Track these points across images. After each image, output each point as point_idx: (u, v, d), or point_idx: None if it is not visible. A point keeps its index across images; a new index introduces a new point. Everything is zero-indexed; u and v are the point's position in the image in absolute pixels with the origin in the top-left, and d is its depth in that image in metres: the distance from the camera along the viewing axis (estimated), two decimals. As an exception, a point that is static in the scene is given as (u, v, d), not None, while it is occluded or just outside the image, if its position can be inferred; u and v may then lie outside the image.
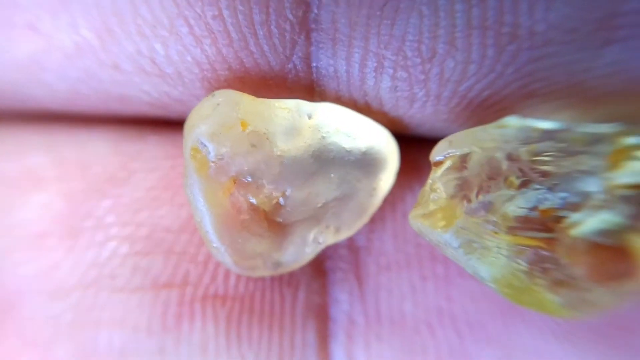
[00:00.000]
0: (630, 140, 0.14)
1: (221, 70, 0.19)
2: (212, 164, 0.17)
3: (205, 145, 0.16)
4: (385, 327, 0.21)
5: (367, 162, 0.20)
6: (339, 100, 0.20)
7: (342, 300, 0.22)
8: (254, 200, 0.18)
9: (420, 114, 0.20)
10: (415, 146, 0.23)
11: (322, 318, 0.22)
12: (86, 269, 0.21)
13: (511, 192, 0.14)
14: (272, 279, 0.23)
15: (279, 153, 0.18)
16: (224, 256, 0.19)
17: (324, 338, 0.22)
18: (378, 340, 0.22)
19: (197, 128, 0.16)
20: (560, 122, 0.17)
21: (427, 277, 0.21)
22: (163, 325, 0.21)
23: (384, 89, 0.18)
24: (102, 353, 0.21)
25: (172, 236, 0.22)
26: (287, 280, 0.23)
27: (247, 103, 0.17)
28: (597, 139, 0.14)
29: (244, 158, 0.17)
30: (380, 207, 0.22)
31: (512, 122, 0.17)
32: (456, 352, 0.21)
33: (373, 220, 0.23)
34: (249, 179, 0.18)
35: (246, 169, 0.17)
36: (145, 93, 0.21)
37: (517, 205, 0.14)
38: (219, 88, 0.19)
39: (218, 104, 0.17)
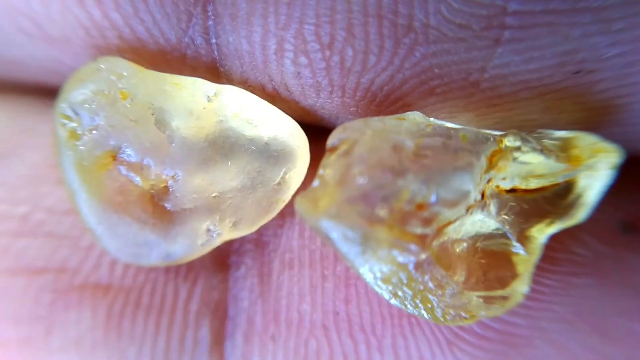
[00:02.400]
0: (508, 142, 0.14)
1: (112, 38, 0.17)
2: (84, 135, 0.15)
3: (76, 114, 0.15)
4: (283, 329, 0.20)
5: (270, 154, 0.19)
6: (245, 84, 0.19)
7: (243, 298, 0.21)
8: (138, 181, 0.17)
9: (330, 105, 0.19)
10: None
11: (219, 316, 0.21)
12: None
13: (387, 181, 0.13)
14: (168, 270, 0.21)
15: (167, 132, 0.16)
16: (102, 240, 0.18)
17: (218, 337, 0.21)
18: (273, 342, 0.21)
19: (69, 93, 0.15)
20: (455, 124, 0.16)
21: (327, 276, 0.20)
22: (32, 314, 0.19)
23: (287, 74, 0.17)
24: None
25: (54, 218, 0.20)
26: (184, 273, 0.21)
27: (134, 73, 0.15)
28: (481, 139, 0.14)
29: (123, 132, 0.15)
30: (291, 202, 0.21)
31: (413, 116, 0.16)
32: (350, 358, 0.20)
33: (282, 215, 0.22)
34: (132, 158, 0.16)
35: (126, 144, 0.15)
36: (34, 58, 0.19)
37: (392, 196, 0.13)
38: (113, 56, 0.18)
39: (98, 70, 0.15)
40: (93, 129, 0.15)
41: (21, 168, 0.20)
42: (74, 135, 0.15)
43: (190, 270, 0.21)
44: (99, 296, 0.19)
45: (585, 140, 0.14)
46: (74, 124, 0.15)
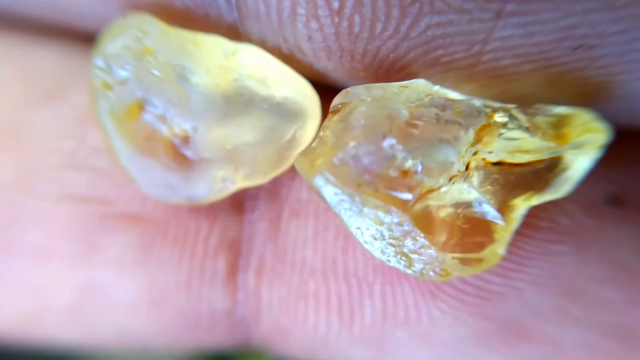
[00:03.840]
0: (497, 117, 0.14)
1: (142, -6, 0.18)
2: (115, 86, 0.16)
3: (108, 66, 0.16)
4: (287, 269, 0.23)
5: (282, 113, 0.19)
6: (263, 44, 0.20)
7: (255, 238, 0.23)
8: (163, 130, 0.19)
9: (340, 69, 0.19)
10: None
11: (234, 252, 0.24)
12: (10, 173, 0.22)
13: (376, 148, 0.14)
14: (191, 209, 0.24)
15: (187, 88, 0.18)
16: (134, 179, 0.20)
17: (233, 270, 0.24)
18: (279, 279, 0.23)
19: (102, 47, 0.16)
20: (459, 93, 0.17)
21: (328, 227, 0.22)
22: (79, 234, 0.22)
23: (300, 37, 0.18)
24: (23, 249, 0.22)
25: (97, 155, 0.22)
26: (206, 213, 0.24)
27: (159, 30, 0.16)
28: (473, 113, 0.14)
29: (148, 86, 0.16)
30: (302, 158, 0.23)
31: (417, 84, 0.16)
32: (343, 300, 0.22)
33: (294, 168, 0.23)
34: (157, 109, 0.18)
35: (150, 97, 0.17)
36: (78, 8, 0.21)
37: (379, 162, 0.14)
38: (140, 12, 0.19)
39: (127, 26, 0.16)
40: (122, 81, 0.16)
41: (67, 108, 0.22)
42: (107, 85, 0.16)
43: (210, 210, 0.23)
44: (133, 225, 0.22)
45: (580, 118, 0.14)
46: (106, 76, 0.16)
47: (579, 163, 0.14)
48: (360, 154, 0.14)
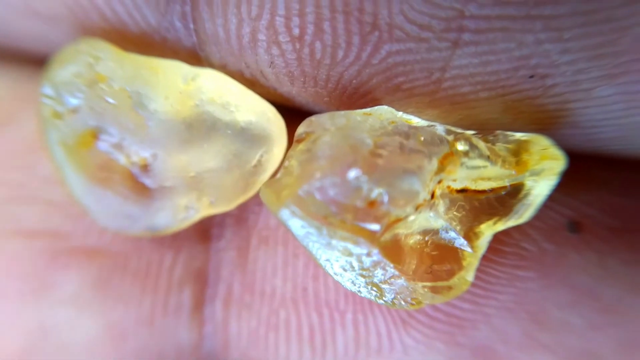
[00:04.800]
0: (459, 146, 0.14)
1: (96, 18, 0.18)
2: (66, 115, 0.16)
3: (58, 94, 0.15)
4: (257, 299, 0.22)
5: (247, 138, 0.19)
6: (224, 68, 0.19)
7: (222, 268, 0.23)
8: (120, 159, 0.18)
9: (304, 94, 0.19)
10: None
11: (200, 283, 0.23)
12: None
13: (342, 179, 0.14)
14: (154, 240, 0.23)
15: (145, 115, 0.17)
16: (89, 211, 0.19)
17: (199, 302, 0.23)
18: (248, 310, 0.22)
19: (51, 74, 0.15)
20: (422, 120, 0.17)
21: (298, 255, 0.21)
22: (31, 271, 0.21)
23: (262, 62, 0.18)
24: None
25: (49, 186, 0.21)
26: (169, 243, 0.23)
27: (113, 56, 0.16)
28: (436, 141, 0.14)
29: (102, 114, 0.16)
30: (269, 183, 0.22)
31: (380, 111, 0.16)
32: (315, 330, 0.21)
33: (262, 194, 0.23)
34: (112, 138, 0.17)
35: (105, 125, 0.16)
36: (28, 32, 0.20)
37: (346, 193, 0.14)
38: (95, 37, 0.18)
39: (78, 52, 0.15)
40: (73, 110, 0.16)
41: (16, 136, 0.21)
42: (56, 114, 0.16)
43: (174, 239, 0.22)
44: (89, 259, 0.21)
45: (538, 145, 0.14)
46: (55, 104, 0.15)
47: (539, 189, 0.14)
48: (326, 186, 0.14)
